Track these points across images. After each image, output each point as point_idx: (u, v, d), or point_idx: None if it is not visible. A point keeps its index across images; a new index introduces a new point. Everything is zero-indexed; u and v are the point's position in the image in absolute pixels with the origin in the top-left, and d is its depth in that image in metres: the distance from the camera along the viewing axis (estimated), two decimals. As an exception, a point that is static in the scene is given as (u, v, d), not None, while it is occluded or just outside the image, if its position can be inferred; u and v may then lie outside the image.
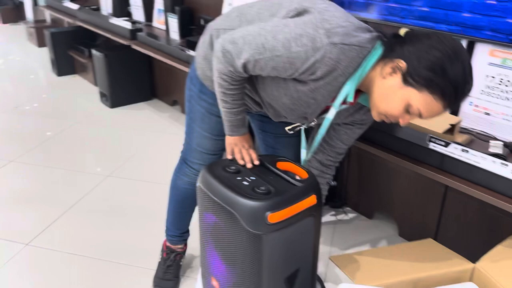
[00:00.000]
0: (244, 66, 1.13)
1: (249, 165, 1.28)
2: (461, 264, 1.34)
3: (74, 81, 4.34)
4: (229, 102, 1.24)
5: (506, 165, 1.22)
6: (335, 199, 2.36)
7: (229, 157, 1.34)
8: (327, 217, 2.28)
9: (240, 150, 1.32)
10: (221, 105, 1.27)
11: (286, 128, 1.35)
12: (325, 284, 1.76)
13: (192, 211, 1.68)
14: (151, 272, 1.84)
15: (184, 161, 1.58)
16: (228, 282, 1.23)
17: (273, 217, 1.11)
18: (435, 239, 1.93)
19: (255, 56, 1.10)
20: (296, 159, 1.52)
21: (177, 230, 1.72)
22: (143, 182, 2.57)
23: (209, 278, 1.31)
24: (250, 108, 1.39)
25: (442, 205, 1.90)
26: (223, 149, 1.51)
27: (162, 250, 1.80)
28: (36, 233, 2.09)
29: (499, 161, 1.24)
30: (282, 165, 1.32)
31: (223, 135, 1.41)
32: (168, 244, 1.77)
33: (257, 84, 1.26)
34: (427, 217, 1.95)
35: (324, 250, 2.01)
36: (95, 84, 3.94)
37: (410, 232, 2.04)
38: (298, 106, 1.22)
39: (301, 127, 1.33)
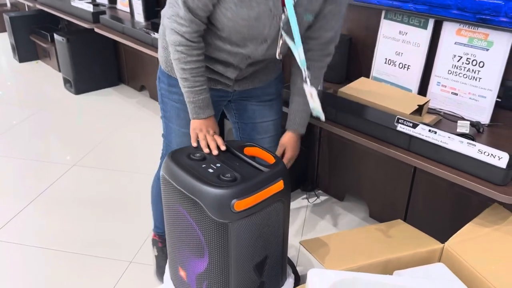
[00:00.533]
0: (186, 5, 1.12)
1: (214, 152, 1.23)
2: (430, 245, 1.34)
3: (37, 67, 4.17)
4: (190, 79, 1.22)
5: (474, 145, 1.22)
6: (307, 182, 2.35)
7: (194, 144, 1.30)
8: (299, 201, 2.27)
9: (204, 137, 1.27)
10: (182, 85, 1.24)
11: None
12: (298, 268, 1.75)
13: None
14: (122, 263, 1.79)
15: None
16: (196, 271, 1.19)
17: (239, 204, 1.07)
18: (404, 219, 1.95)
19: None
20: (274, 145, 1.51)
21: None
22: (111, 170, 2.49)
23: (177, 268, 1.27)
24: (223, 79, 1.35)
25: (411, 186, 1.91)
26: None
27: (155, 242, 1.75)
28: (-3, 227, 2.01)
29: (466, 141, 1.24)
30: (249, 150, 1.29)
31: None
32: (159, 236, 1.73)
33: (215, 30, 1.22)
34: (397, 198, 1.96)
35: (296, 233, 2.00)
36: (59, 70, 3.79)
37: (380, 213, 2.06)
38: (253, 27, 1.17)
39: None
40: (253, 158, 1.24)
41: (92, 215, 2.10)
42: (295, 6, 1.14)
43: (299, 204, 2.25)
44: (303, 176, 2.35)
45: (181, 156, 1.21)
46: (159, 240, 1.72)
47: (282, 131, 1.47)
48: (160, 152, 1.56)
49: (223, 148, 1.26)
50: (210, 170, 1.14)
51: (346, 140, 2.09)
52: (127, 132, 2.93)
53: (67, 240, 1.93)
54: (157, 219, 1.69)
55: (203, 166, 1.16)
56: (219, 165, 1.17)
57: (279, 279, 1.33)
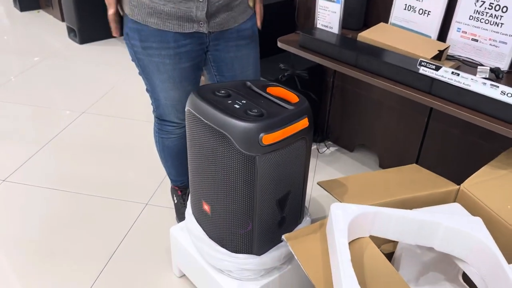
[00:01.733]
0: None
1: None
2: (446, 186, 1.37)
3: (39, 16, 4.09)
4: None
5: (497, 86, 1.23)
6: (317, 133, 2.37)
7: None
8: None
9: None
10: None
11: None
12: (308, 215, 1.80)
13: None
14: (138, 205, 1.83)
15: (160, 119, 1.52)
16: (221, 205, 1.22)
17: (267, 138, 1.08)
18: None
19: None
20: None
21: (183, 176, 1.69)
22: (122, 118, 2.50)
23: (200, 203, 1.30)
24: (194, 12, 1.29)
25: (423, 137, 1.93)
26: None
27: (174, 191, 1.77)
28: (12, 170, 2.02)
29: (489, 82, 1.24)
30: (272, 90, 1.29)
31: (186, 80, 1.38)
32: (178, 187, 1.75)
33: None
34: (408, 148, 1.99)
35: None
36: (62, 19, 3.72)
37: (390, 163, 2.09)
38: None
39: None
40: (276, 97, 1.24)
41: (106, 160, 2.12)
42: None
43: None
44: (314, 126, 2.37)
45: (206, 92, 1.21)
46: (178, 189, 1.75)
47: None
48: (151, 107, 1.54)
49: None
50: (237, 106, 1.15)
51: (359, 91, 2.09)
52: (133, 81, 2.90)
53: (82, 182, 1.96)
54: (171, 173, 1.70)
55: (229, 102, 1.17)
56: (244, 101, 1.18)
57: (298, 217, 1.36)
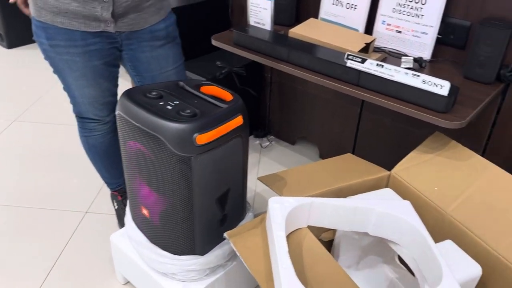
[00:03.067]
0: None
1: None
2: (378, 172, 1.43)
3: None
4: None
5: (418, 75, 1.29)
6: (259, 128, 2.39)
7: None
8: (252, 147, 2.31)
9: None
10: None
11: None
12: (251, 210, 1.81)
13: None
14: (77, 214, 1.76)
15: (80, 117, 1.48)
16: (159, 208, 1.20)
17: (201, 138, 1.08)
18: None
19: None
20: None
21: (118, 178, 1.64)
22: (55, 124, 2.39)
23: (139, 208, 1.27)
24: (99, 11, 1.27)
25: (357, 126, 2.00)
26: (111, 93, 1.44)
27: (114, 196, 1.72)
28: None
29: (411, 72, 1.31)
30: (206, 89, 1.28)
31: (100, 77, 1.36)
32: (117, 191, 1.70)
33: None
34: (344, 138, 2.06)
35: (251, 178, 2.05)
36: None
37: (329, 153, 2.15)
38: None
39: None
40: (210, 96, 1.24)
41: (41, 169, 2.02)
42: None
43: (253, 150, 2.29)
44: (255, 122, 2.39)
45: (136, 94, 1.18)
46: (118, 194, 1.70)
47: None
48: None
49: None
50: (169, 107, 1.13)
51: (296, 84, 2.13)
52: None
53: (17, 193, 1.86)
54: (104, 175, 1.66)
55: (161, 103, 1.15)
56: (177, 102, 1.16)
57: (240, 213, 1.37)
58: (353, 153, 2.06)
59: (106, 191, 1.83)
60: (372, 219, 1.18)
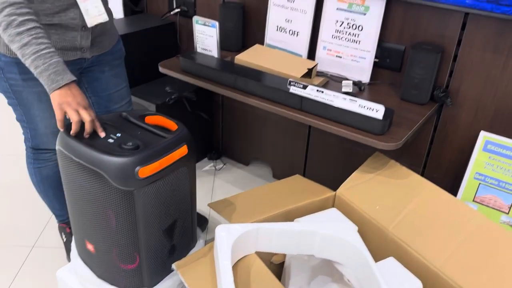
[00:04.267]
0: None
1: (102, 134, 1.13)
2: (324, 193, 1.46)
3: None
4: (32, 42, 1.05)
5: (355, 101, 1.34)
6: (213, 151, 2.39)
7: (61, 127, 1.12)
8: (206, 169, 2.31)
9: (76, 110, 1.08)
10: (25, 55, 1.06)
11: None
12: (202, 238, 1.79)
13: None
14: (23, 249, 1.68)
15: (36, 149, 1.45)
16: (104, 243, 1.18)
17: (144, 171, 1.07)
18: (303, 174, 2.09)
19: None
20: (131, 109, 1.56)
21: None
22: None
23: (84, 242, 1.24)
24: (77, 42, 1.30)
25: (307, 145, 2.04)
26: None
27: (62, 229, 1.68)
28: None
29: (348, 97, 1.36)
30: (150, 119, 1.28)
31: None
32: (65, 223, 1.66)
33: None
34: (296, 157, 2.09)
35: (206, 199, 2.04)
36: None
37: (282, 172, 2.17)
38: None
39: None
40: (154, 126, 1.23)
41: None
42: None
43: (207, 172, 2.28)
44: (209, 145, 2.39)
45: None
46: (66, 225, 1.65)
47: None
48: (23, 137, 1.45)
49: (102, 134, 1.13)
50: (111, 140, 1.12)
51: (246, 107, 2.16)
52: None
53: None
54: (55, 207, 1.61)
55: (108, 139, 1.14)
56: (119, 134, 1.15)
57: (190, 241, 1.36)
58: (304, 171, 2.09)
59: (54, 224, 1.77)
60: (317, 242, 1.21)
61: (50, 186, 1.54)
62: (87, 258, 1.27)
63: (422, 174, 1.72)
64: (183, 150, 1.18)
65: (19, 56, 1.08)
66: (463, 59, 1.49)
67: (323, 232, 1.19)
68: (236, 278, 1.12)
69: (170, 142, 1.16)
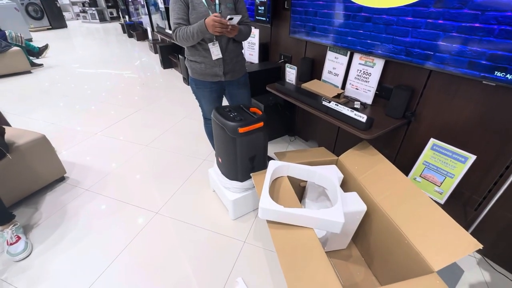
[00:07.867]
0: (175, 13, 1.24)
1: (231, 33, 1.23)
2: (331, 156, 1.50)
3: (172, 71, 4.32)
4: (190, 31, 1.25)
5: (353, 111, 1.35)
6: (290, 131, 2.38)
7: (219, 32, 1.21)
8: (284, 140, 2.21)
9: (218, 25, 1.21)
10: (192, 34, 1.25)
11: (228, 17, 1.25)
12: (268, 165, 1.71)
13: None
14: (199, 161, 1.82)
15: (205, 118, 1.60)
16: (224, 158, 1.40)
17: (241, 130, 1.26)
18: (333, 149, 1.99)
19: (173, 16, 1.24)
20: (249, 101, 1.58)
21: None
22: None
23: (218, 158, 1.49)
24: (217, 71, 1.38)
25: (337, 134, 1.96)
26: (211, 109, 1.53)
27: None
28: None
29: (350, 109, 1.37)
30: (251, 109, 1.44)
31: (216, 100, 1.46)
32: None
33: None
34: (329, 139, 2.02)
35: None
36: (181, 73, 3.96)
37: (322, 145, 2.06)
38: (200, 13, 1.26)
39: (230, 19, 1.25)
40: (251, 112, 1.39)
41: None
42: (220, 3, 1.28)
43: (285, 141, 2.29)
44: (289, 127, 2.41)
45: (220, 109, 1.39)
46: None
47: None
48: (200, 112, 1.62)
49: (224, 21, 1.20)
50: (231, 115, 1.33)
51: (306, 111, 2.14)
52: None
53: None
54: (211, 143, 1.69)
55: (229, 114, 1.35)
56: (235, 113, 1.36)
57: (262, 165, 1.43)
58: (333, 147, 2.04)
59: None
60: (316, 176, 1.29)
61: (210, 134, 1.66)
62: (219, 165, 1.52)
63: (395, 158, 1.60)
64: (260, 124, 1.32)
65: (190, 36, 1.25)
66: (426, 96, 1.36)
67: (320, 172, 1.27)
68: (273, 185, 1.27)
69: (255, 119, 1.32)
